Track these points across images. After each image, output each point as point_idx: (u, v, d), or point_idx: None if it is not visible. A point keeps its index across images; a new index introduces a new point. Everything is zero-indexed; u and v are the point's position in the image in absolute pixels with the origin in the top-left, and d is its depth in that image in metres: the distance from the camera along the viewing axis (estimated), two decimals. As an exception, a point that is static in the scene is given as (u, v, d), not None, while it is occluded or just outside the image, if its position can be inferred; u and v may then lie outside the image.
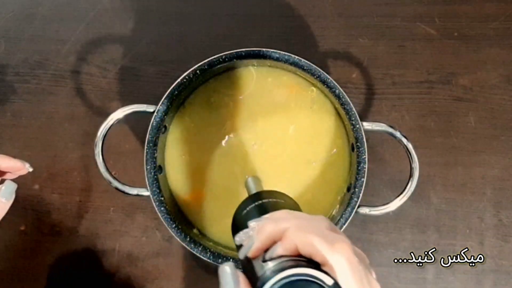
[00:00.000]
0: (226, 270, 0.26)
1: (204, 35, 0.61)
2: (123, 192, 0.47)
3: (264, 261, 0.27)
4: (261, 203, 0.35)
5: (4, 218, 0.39)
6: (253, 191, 0.44)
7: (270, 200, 0.36)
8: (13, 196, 0.39)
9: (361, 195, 0.46)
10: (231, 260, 0.46)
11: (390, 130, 0.46)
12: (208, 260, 0.46)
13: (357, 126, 0.47)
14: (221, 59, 0.48)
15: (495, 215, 0.57)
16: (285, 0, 0.61)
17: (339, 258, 0.24)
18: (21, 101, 0.61)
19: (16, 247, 0.58)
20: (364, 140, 0.47)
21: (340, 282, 0.24)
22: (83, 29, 0.61)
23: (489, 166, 0.58)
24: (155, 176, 0.48)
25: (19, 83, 0.61)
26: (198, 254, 0.46)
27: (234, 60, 0.48)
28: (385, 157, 0.58)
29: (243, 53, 0.47)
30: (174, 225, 0.47)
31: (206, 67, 0.48)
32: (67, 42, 0.61)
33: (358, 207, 0.46)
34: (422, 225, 0.57)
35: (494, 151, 0.58)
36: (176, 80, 0.47)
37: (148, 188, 0.47)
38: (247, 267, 0.29)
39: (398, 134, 0.46)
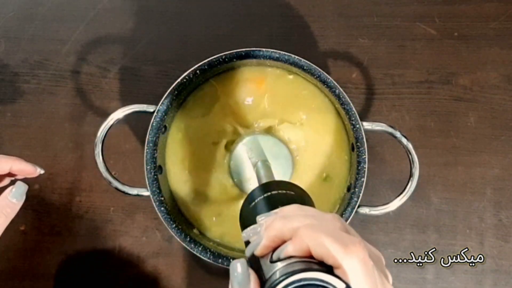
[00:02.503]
0: (238, 267, 0.25)
1: (204, 35, 0.61)
2: (123, 192, 0.47)
3: (272, 261, 0.26)
4: (270, 195, 0.34)
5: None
6: (263, 178, 0.42)
7: (280, 192, 0.34)
8: (24, 197, 0.39)
9: (361, 195, 0.46)
10: (231, 259, 0.46)
11: (390, 130, 0.46)
12: (208, 260, 0.46)
13: (357, 126, 0.47)
14: (221, 59, 0.48)
15: (495, 215, 0.57)
16: (285, 0, 0.61)
17: (353, 261, 0.23)
18: (21, 101, 0.61)
19: (16, 247, 0.58)
20: (364, 140, 0.47)
21: (353, 286, 0.23)
22: (83, 29, 0.61)
23: (489, 166, 0.58)
24: (155, 176, 0.48)
25: (19, 83, 0.61)
26: (198, 254, 0.46)
27: (234, 60, 0.48)
28: (385, 157, 0.58)
29: (243, 53, 0.48)
30: (174, 225, 0.47)
31: (206, 67, 0.48)
32: (67, 42, 0.61)
33: (358, 207, 0.46)
34: (422, 225, 0.57)
35: (494, 151, 0.58)
36: (176, 80, 0.47)
37: (148, 188, 0.47)
38: (254, 265, 0.28)
39: (398, 134, 0.46)
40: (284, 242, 0.26)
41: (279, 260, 0.26)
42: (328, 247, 0.24)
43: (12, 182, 0.41)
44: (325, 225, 0.26)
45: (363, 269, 0.23)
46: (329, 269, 0.23)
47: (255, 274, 0.26)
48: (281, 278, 0.22)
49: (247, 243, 0.29)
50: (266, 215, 0.29)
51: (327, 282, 0.22)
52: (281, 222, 0.27)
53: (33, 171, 0.42)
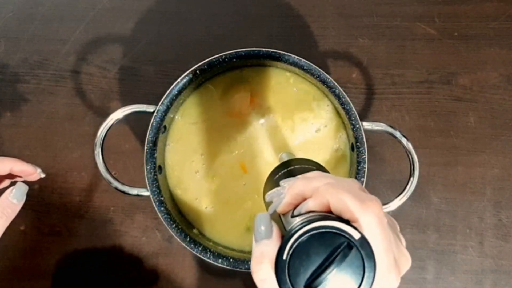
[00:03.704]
0: (262, 219, 0.27)
1: (204, 35, 0.61)
2: (123, 192, 0.47)
3: (293, 216, 0.27)
4: (292, 168, 0.36)
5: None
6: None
7: (302, 166, 0.36)
8: (24, 198, 0.40)
9: (361, 195, 0.46)
10: (231, 259, 0.46)
11: (390, 130, 0.46)
12: (208, 260, 0.46)
13: (357, 126, 0.47)
14: (221, 59, 0.48)
15: (495, 215, 0.57)
16: (285, 0, 0.61)
17: (369, 215, 0.24)
18: (21, 101, 0.60)
19: (16, 247, 0.58)
20: (364, 140, 0.47)
21: (368, 239, 0.24)
22: (83, 29, 0.61)
23: (489, 166, 0.58)
24: (155, 176, 0.48)
25: (19, 83, 0.61)
26: (198, 254, 0.46)
27: (234, 60, 0.48)
28: (385, 157, 0.58)
29: (243, 53, 0.48)
30: (174, 225, 0.47)
31: (206, 67, 0.48)
32: (67, 42, 0.61)
33: (358, 207, 0.46)
34: (422, 225, 0.57)
35: (494, 151, 0.58)
36: (176, 80, 0.47)
37: (148, 188, 0.47)
38: (276, 223, 0.29)
39: (398, 134, 0.46)
40: (305, 200, 0.28)
41: (299, 215, 0.27)
42: (346, 202, 0.25)
43: (12, 184, 0.41)
44: (344, 184, 0.27)
45: (378, 224, 0.24)
46: (346, 222, 0.24)
47: (277, 226, 0.27)
48: (300, 225, 0.24)
49: (269, 204, 0.31)
50: (289, 180, 0.31)
51: (343, 231, 0.23)
52: (303, 181, 0.28)
53: (33, 171, 0.42)
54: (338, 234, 0.23)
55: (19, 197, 0.39)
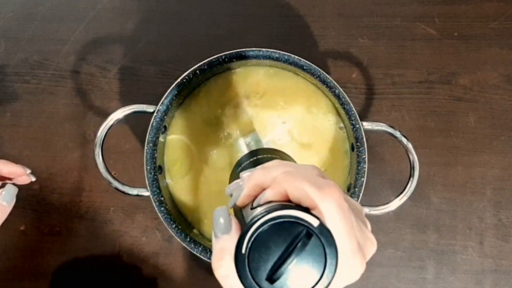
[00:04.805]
0: (220, 214, 0.26)
1: (204, 35, 0.61)
2: (123, 192, 0.47)
3: (253, 208, 0.27)
4: (256, 159, 0.35)
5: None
6: (253, 148, 0.44)
7: (265, 156, 0.36)
8: (14, 200, 0.40)
9: (361, 195, 0.46)
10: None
11: (390, 130, 0.46)
12: (208, 260, 0.46)
13: (357, 126, 0.47)
14: (221, 59, 0.48)
15: (495, 215, 0.57)
16: (285, 0, 0.61)
17: (328, 201, 0.24)
18: (21, 101, 0.61)
19: (16, 247, 0.58)
20: (364, 140, 0.47)
21: (329, 226, 0.23)
22: (83, 29, 0.61)
23: (489, 166, 0.58)
24: (155, 176, 0.48)
25: (19, 83, 0.61)
26: (198, 254, 0.46)
27: (234, 60, 0.48)
28: (385, 157, 0.58)
29: (243, 53, 0.48)
30: (174, 225, 0.47)
31: (206, 67, 0.48)
32: (67, 42, 0.61)
33: (358, 207, 0.46)
34: (422, 225, 0.57)
35: (494, 151, 0.58)
36: (176, 80, 0.47)
37: (148, 188, 0.47)
38: (237, 216, 0.29)
39: (398, 134, 0.46)
40: (264, 190, 0.27)
41: (258, 205, 0.27)
42: (304, 189, 0.24)
43: (3, 186, 0.41)
44: (302, 172, 0.27)
45: (338, 209, 0.24)
46: (305, 210, 0.24)
47: (236, 219, 0.26)
48: (258, 216, 0.23)
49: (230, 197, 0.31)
50: (249, 171, 0.30)
51: (302, 219, 0.23)
52: (261, 172, 0.28)
53: (23, 172, 0.42)
54: (297, 223, 0.23)
55: (9, 200, 0.39)
